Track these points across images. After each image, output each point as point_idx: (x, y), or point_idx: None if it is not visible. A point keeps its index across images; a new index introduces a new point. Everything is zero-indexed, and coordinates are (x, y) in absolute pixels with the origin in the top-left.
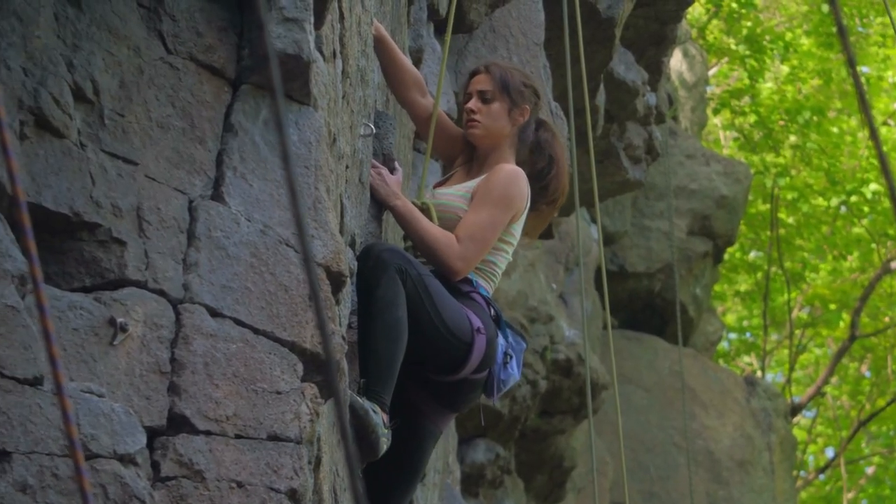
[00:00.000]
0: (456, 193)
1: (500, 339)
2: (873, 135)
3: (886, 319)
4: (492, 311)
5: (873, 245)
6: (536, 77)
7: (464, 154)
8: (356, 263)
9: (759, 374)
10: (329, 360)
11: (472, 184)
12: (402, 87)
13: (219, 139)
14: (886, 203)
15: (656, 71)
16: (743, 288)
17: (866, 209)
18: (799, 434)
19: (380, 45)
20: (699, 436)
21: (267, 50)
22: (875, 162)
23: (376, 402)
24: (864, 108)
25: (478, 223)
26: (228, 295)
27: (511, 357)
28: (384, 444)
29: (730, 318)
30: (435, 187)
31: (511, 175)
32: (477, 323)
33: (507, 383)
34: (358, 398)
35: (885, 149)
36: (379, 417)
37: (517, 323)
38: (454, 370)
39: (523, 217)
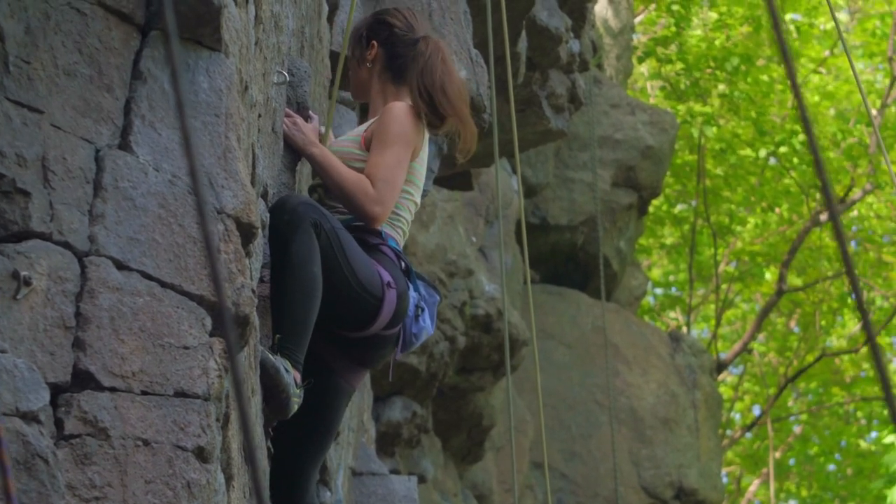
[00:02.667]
0: (348, 139)
1: (412, 292)
2: (795, 91)
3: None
4: (402, 263)
5: (803, 197)
6: (456, 24)
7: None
8: (269, 215)
9: (684, 329)
10: (223, 312)
11: (362, 128)
12: None
13: (127, 87)
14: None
15: (580, 17)
16: (669, 241)
17: (795, 160)
18: (725, 391)
19: None
20: (622, 393)
21: None
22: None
23: (289, 359)
24: (789, 68)
25: (384, 164)
26: (135, 247)
27: (423, 310)
28: (295, 403)
29: (655, 273)
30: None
31: (401, 110)
32: (387, 277)
33: (418, 337)
34: (270, 356)
35: (815, 97)
36: (291, 377)
37: (435, 277)
38: (364, 326)
39: (423, 156)
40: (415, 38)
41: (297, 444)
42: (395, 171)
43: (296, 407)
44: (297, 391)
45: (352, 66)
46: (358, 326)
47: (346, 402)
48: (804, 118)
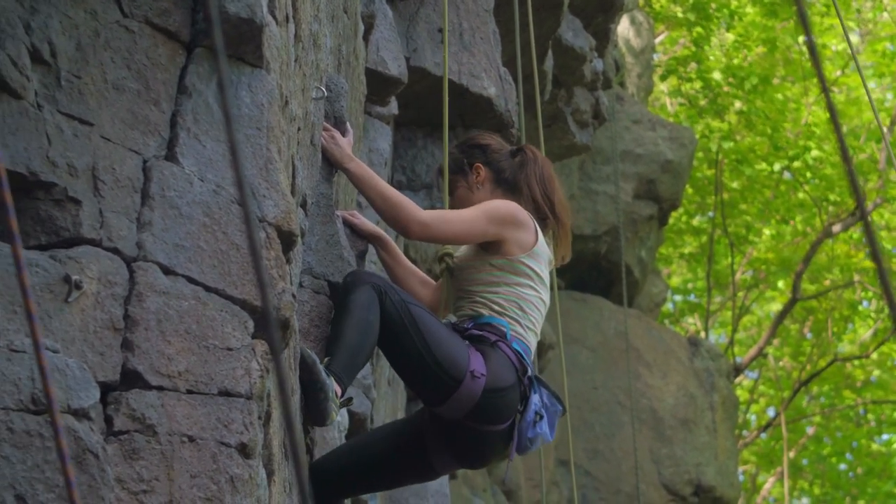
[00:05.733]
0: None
1: (535, 398)
2: (825, 93)
3: (827, 283)
4: (526, 368)
5: (815, 209)
6: (485, 43)
7: None
8: (308, 223)
9: (702, 334)
10: (266, 313)
11: None
12: (406, 283)
13: (173, 101)
14: (827, 170)
15: (604, 37)
16: (687, 251)
17: (809, 175)
18: (741, 394)
19: (386, 253)
20: (643, 395)
21: (210, 12)
22: (816, 130)
23: (332, 375)
24: (818, 67)
25: (455, 212)
26: (181, 253)
27: (542, 417)
28: (332, 410)
29: (675, 280)
30: None
31: (504, 201)
32: (475, 366)
33: (534, 442)
34: (309, 351)
35: (827, 115)
36: (331, 382)
37: None
38: (438, 401)
39: (540, 254)
40: (512, 149)
41: (349, 477)
42: (459, 220)
43: (334, 415)
44: (337, 401)
45: (462, 196)
46: (433, 400)
47: (416, 482)
48: (832, 113)
